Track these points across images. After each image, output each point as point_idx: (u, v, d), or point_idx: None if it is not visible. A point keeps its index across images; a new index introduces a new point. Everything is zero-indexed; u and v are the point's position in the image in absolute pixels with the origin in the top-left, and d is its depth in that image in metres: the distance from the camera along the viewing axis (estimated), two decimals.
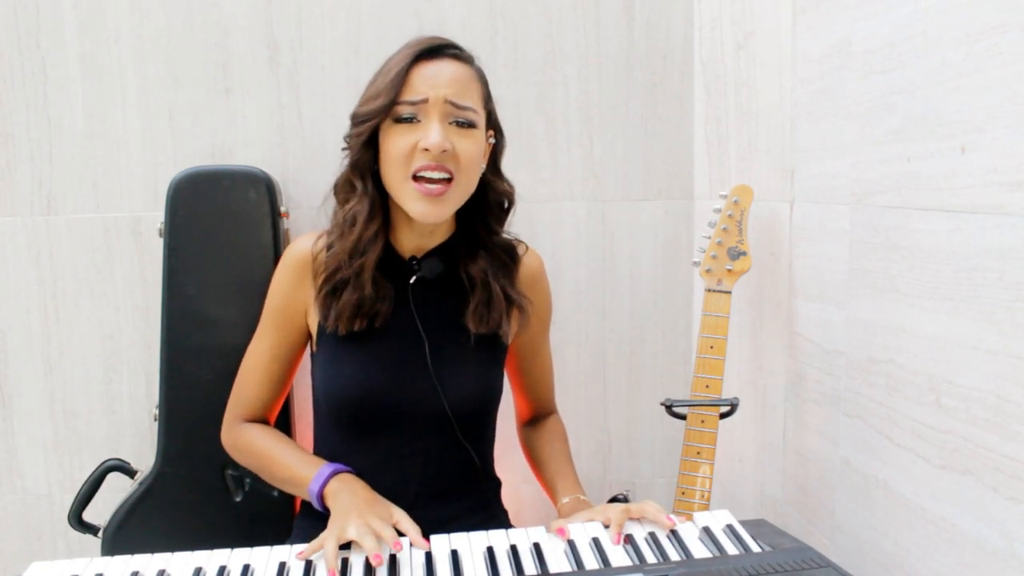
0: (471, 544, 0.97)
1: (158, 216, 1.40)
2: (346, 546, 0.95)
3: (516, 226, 1.24)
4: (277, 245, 1.36)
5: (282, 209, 1.39)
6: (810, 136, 1.28)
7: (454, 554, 0.94)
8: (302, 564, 0.93)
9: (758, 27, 1.40)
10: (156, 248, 1.44)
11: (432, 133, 1.01)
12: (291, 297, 1.15)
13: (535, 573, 0.90)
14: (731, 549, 0.94)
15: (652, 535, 0.98)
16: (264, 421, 1.22)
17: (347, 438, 1.13)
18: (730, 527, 0.99)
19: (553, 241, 1.55)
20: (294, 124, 1.47)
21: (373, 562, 0.90)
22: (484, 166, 1.12)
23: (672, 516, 1.01)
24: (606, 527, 1.00)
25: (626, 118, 1.54)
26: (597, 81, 1.52)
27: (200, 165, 1.39)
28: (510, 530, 1.00)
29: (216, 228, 1.36)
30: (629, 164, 1.55)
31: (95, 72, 1.43)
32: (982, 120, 0.90)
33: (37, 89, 1.43)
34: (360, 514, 0.98)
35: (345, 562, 0.93)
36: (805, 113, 1.29)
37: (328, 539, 0.94)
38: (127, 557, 0.94)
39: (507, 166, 1.18)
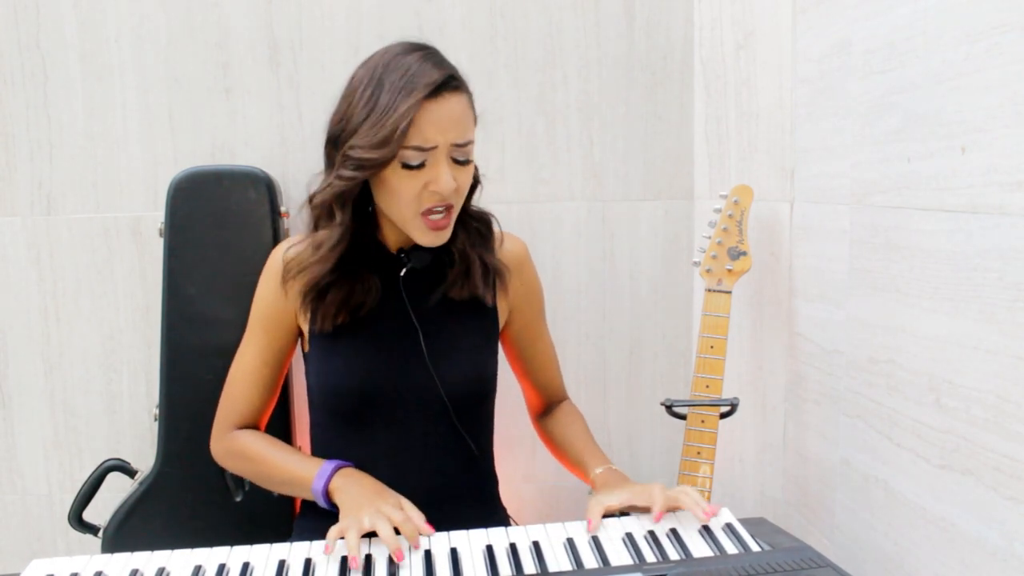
0: (470, 542, 0.97)
1: (158, 216, 1.40)
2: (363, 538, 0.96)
3: (517, 226, 1.24)
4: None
5: (282, 209, 1.39)
6: (810, 136, 1.28)
7: (453, 552, 0.94)
8: (301, 562, 0.93)
9: (758, 27, 1.40)
10: (156, 248, 1.45)
11: (443, 179, 1.02)
12: (278, 303, 1.15)
13: (534, 572, 0.90)
14: (730, 548, 0.94)
15: (651, 533, 0.98)
16: (254, 428, 1.21)
17: (345, 432, 1.14)
18: (729, 526, 0.99)
19: (553, 241, 1.55)
20: (294, 124, 1.47)
21: (395, 557, 0.91)
22: None
23: (709, 508, 1.00)
24: (646, 512, 1.01)
25: (626, 118, 1.54)
26: (597, 81, 1.52)
27: (200, 165, 1.39)
28: (509, 528, 1.00)
29: (216, 228, 1.36)
30: (629, 164, 1.55)
31: (95, 72, 1.43)
32: (982, 120, 0.90)
33: (37, 89, 1.43)
34: (372, 503, 0.98)
35: (364, 556, 0.93)
36: (805, 113, 1.29)
37: (349, 529, 0.94)
38: (127, 555, 0.94)
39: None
